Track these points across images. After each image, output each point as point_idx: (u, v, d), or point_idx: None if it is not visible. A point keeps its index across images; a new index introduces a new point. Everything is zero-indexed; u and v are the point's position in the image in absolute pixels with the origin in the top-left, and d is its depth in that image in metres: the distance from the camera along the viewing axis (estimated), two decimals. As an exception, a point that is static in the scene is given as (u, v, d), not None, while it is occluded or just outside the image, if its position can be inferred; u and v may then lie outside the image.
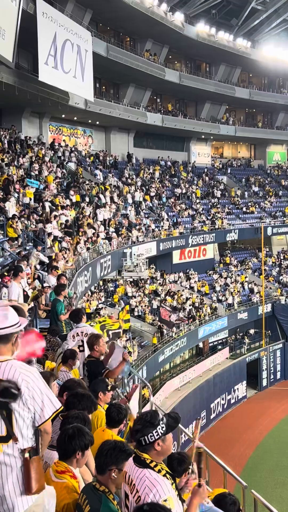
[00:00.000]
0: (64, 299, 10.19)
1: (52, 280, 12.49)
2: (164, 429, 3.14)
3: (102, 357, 6.40)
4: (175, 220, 36.51)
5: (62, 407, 3.18)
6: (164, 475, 3.08)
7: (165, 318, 28.01)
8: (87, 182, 30.04)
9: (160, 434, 3.13)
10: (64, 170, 29.54)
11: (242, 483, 4.96)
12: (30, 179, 22.58)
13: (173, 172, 43.31)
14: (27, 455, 2.97)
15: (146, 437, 3.13)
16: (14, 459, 2.97)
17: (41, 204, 21.38)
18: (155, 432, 3.12)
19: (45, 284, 12.71)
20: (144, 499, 2.95)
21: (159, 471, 3.08)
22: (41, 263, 15.47)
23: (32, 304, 10.87)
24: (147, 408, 7.69)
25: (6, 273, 10.55)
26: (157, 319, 29.44)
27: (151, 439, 3.12)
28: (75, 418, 3.67)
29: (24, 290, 10.53)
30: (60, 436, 3.47)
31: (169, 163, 43.87)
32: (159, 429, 3.12)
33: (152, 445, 3.13)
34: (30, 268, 13.54)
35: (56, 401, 3.11)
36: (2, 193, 19.32)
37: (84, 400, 4.17)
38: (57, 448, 3.48)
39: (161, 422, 3.14)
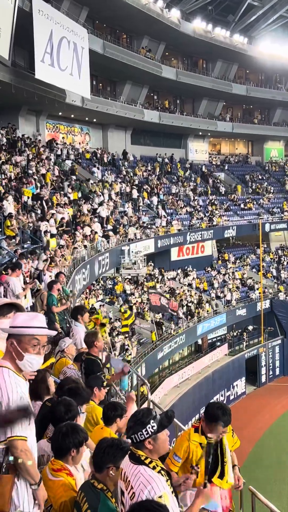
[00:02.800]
0: (58, 293, 10.28)
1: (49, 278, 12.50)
2: (155, 428, 3.09)
3: (99, 354, 6.44)
4: (173, 218, 36.49)
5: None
6: (159, 472, 3.05)
7: (156, 304, 27.16)
8: (84, 180, 29.99)
9: (150, 433, 3.09)
10: (61, 168, 29.47)
11: (240, 479, 4.95)
12: (28, 187, 22.46)
13: (169, 169, 43.26)
14: None
15: (136, 435, 3.10)
16: None
17: (39, 202, 21.35)
18: (145, 431, 3.08)
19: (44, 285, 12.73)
20: (139, 495, 2.92)
21: (153, 468, 3.06)
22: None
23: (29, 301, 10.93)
24: (145, 406, 7.69)
25: (4, 272, 10.57)
26: (148, 308, 28.78)
27: (141, 437, 3.09)
28: (58, 404, 3.69)
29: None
30: (53, 434, 3.46)
31: (166, 160, 43.83)
32: (148, 428, 3.08)
33: (143, 444, 3.11)
34: (29, 265, 13.57)
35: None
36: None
37: (78, 394, 4.15)
38: (52, 446, 3.48)
39: (151, 421, 3.10)
